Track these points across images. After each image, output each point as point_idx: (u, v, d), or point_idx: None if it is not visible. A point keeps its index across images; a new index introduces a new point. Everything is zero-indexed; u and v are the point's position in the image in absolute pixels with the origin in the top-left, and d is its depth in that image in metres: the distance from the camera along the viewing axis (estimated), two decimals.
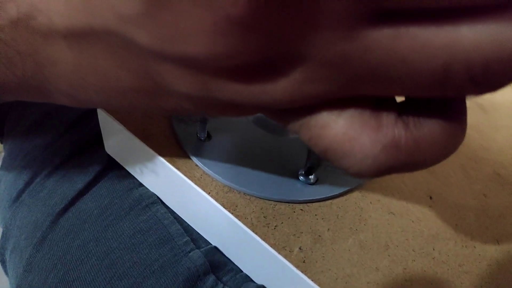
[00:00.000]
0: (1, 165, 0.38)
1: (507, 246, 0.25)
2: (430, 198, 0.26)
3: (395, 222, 0.24)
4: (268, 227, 0.22)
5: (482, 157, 0.30)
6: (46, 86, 0.18)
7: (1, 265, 0.34)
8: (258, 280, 0.24)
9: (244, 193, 0.23)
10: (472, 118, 0.32)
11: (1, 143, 0.43)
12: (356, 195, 0.25)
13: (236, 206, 0.23)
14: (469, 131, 0.31)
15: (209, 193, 0.23)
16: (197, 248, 0.26)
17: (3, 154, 0.40)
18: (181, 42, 0.11)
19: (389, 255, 0.23)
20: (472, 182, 0.28)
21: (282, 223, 0.23)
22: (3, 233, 0.33)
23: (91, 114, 0.34)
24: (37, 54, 0.16)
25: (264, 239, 0.22)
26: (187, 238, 0.26)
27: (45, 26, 0.15)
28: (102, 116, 0.26)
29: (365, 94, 0.12)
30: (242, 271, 0.25)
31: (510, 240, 0.25)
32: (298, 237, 0.22)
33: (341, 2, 0.10)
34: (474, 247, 0.24)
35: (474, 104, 0.34)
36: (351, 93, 0.12)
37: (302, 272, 0.21)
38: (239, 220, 0.22)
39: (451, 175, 0.28)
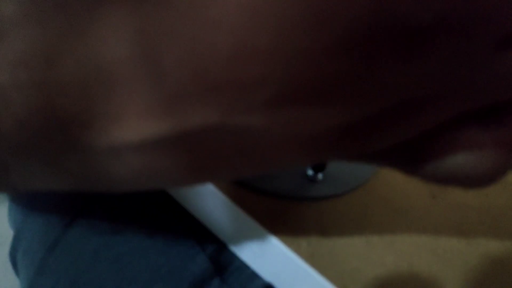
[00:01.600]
0: None
1: (510, 244, 0.25)
2: (433, 197, 0.27)
3: (399, 219, 0.25)
4: (277, 222, 0.23)
5: None
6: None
7: (12, 266, 0.35)
8: (266, 276, 0.25)
9: (254, 189, 0.24)
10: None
11: None
12: (361, 192, 0.25)
13: (246, 202, 0.23)
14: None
15: (219, 189, 0.23)
16: (202, 250, 0.26)
17: None
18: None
19: (394, 251, 0.23)
20: None
21: (290, 218, 0.23)
22: (14, 235, 0.33)
23: None
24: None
25: (273, 234, 0.22)
26: (193, 241, 0.27)
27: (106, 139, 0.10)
28: None
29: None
30: (248, 268, 0.26)
31: None
32: (306, 232, 0.23)
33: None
34: (478, 245, 0.25)
35: None
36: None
37: (310, 266, 0.21)
38: (249, 215, 0.23)
39: None
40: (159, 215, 0.28)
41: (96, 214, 0.29)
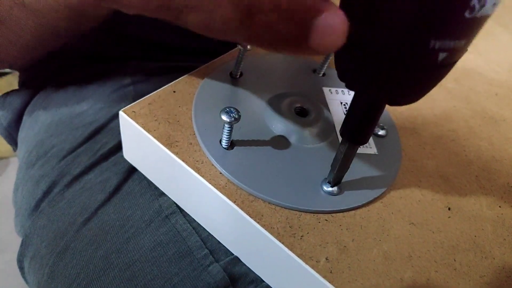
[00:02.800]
0: (18, 174, 0.38)
1: None
2: (449, 209, 0.26)
3: (416, 233, 0.24)
4: (294, 237, 0.22)
5: (495, 168, 0.30)
6: None
7: (20, 271, 0.34)
8: None
9: (269, 203, 0.23)
10: (484, 131, 0.33)
11: (15, 151, 0.43)
12: (378, 205, 0.25)
13: (262, 216, 0.23)
14: (482, 142, 0.32)
15: (234, 202, 0.23)
16: (216, 261, 0.26)
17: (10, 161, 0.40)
18: None
19: (412, 266, 0.23)
20: (487, 193, 0.28)
21: (308, 233, 0.23)
22: (22, 241, 0.33)
23: (112, 122, 0.34)
24: None
25: (291, 249, 0.22)
26: (206, 250, 0.26)
27: None
28: (124, 120, 0.26)
29: None
30: (263, 282, 0.25)
31: None
32: (324, 247, 0.22)
33: None
34: (493, 258, 0.24)
35: (486, 117, 0.34)
36: None
37: (329, 282, 0.21)
38: (266, 229, 0.22)
39: (466, 186, 0.28)
40: (171, 223, 0.28)
41: (105, 220, 0.29)
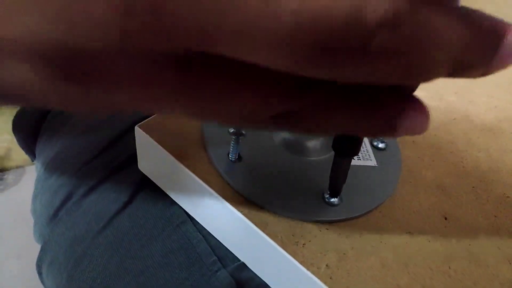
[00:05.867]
0: (36, 184, 0.40)
1: None
2: (445, 218, 0.28)
3: (413, 242, 0.26)
4: (297, 245, 0.24)
5: (492, 179, 0.31)
6: None
7: (38, 276, 0.36)
8: None
9: (274, 212, 0.25)
10: (482, 142, 0.34)
11: (32, 161, 0.45)
12: (376, 215, 0.27)
13: (267, 225, 0.24)
14: (480, 154, 0.33)
15: (241, 212, 0.25)
16: (224, 267, 0.27)
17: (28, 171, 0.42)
18: None
19: (408, 273, 0.24)
20: (483, 203, 0.30)
21: (309, 241, 0.24)
22: (42, 247, 0.35)
23: (125, 136, 0.36)
24: None
25: (293, 257, 0.23)
26: (215, 257, 0.28)
27: None
28: (139, 135, 0.28)
29: None
30: (268, 287, 0.27)
31: None
32: (324, 254, 0.24)
33: None
34: (487, 266, 0.26)
35: (485, 129, 0.35)
36: None
37: None
38: (270, 238, 0.24)
39: (463, 196, 0.30)
40: (182, 231, 0.30)
41: (120, 228, 0.31)
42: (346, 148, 0.22)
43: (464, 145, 0.34)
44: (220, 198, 0.25)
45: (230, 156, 0.27)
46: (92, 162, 0.35)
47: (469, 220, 0.28)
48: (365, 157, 0.29)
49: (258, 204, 0.25)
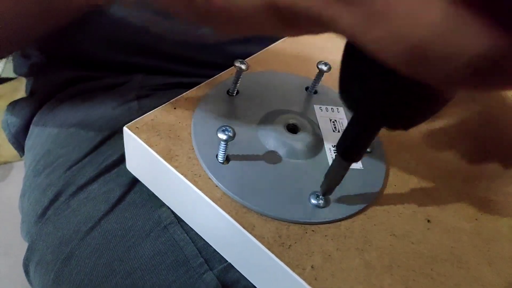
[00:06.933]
0: (25, 181, 0.40)
1: (498, 267, 0.27)
2: (428, 221, 0.28)
3: (397, 244, 0.26)
4: (283, 246, 0.24)
5: (474, 183, 0.32)
6: None
7: (25, 274, 0.36)
8: None
9: (261, 214, 0.25)
10: (466, 147, 0.35)
11: (21, 157, 0.45)
12: (362, 217, 0.27)
13: (254, 226, 0.25)
14: (463, 159, 0.34)
15: (228, 213, 0.25)
16: (210, 269, 0.28)
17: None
18: None
19: (391, 275, 0.25)
20: (465, 207, 0.30)
21: (295, 242, 0.25)
22: (29, 246, 0.35)
23: (115, 135, 0.36)
24: None
25: (279, 258, 0.24)
26: (201, 259, 0.28)
27: None
28: (128, 136, 0.28)
29: None
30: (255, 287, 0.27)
31: (501, 262, 0.27)
32: (310, 256, 0.24)
33: None
34: (469, 268, 0.26)
35: (470, 134, 0.36)
36: None
37: None
38: (257, 239, 0.24)
39: (447, 199, 0.30)
40: (170, 233, 0.30)
41: (108, 229, 0.31)
42: (352, 153, 0.22)
43: (448, 149, 0.34)
44: (208, 199, 0.25)
45: (218, 158, 0.27)
46: (82, 161, 0.35)
47: (452, 223, 0.29)
48: None
49: (246, 206, 0.25)
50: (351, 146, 0.22)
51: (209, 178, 0.26)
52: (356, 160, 0.23)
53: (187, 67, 0.42)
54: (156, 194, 0.30)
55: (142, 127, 0.28)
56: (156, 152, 0.27)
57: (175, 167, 0.26)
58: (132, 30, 0.38)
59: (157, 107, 0.29)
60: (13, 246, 0.92)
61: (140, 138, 0.27)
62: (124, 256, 0.29)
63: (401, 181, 0.30)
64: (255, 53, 0.37)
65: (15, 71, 0.48)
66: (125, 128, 0.28)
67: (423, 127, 0.35)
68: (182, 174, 0.26)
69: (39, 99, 0.43)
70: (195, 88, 0.32)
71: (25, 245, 0.36)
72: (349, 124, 0.21)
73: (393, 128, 0.19)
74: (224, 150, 0.26)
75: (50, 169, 0.36)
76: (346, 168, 0.24)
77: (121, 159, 0.34)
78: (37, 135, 0.41)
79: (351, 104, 0.19)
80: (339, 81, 0.19)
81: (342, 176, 0.25)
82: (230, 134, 0.25)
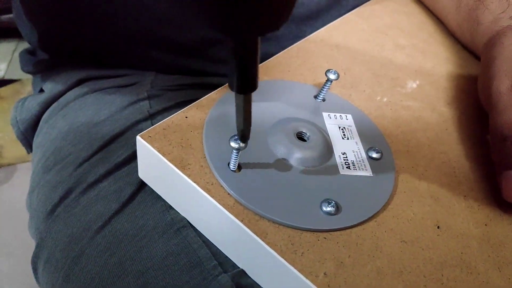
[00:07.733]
0: (34, 177, 0.40)
1: (508, 273, 0.27)
2: (438, 227, 0.29)
3: (407, 250, 0.27)
4: (295, 253, 0.25)
5: (483, 188, 0.32)
6: None
7: (33, 272, 0.36)
8: None
9: (273, 222, 0.26)
10: (474, 152, 0.35)
11: (29, 153, 0.45)
12: (372, 224, 0.27)
13: (267, 234, 0.25)
14: (471, 164, 0.34)
15: (241, 221, 0.25)
16: (224, 272, 0.28)
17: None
18: None
19: (403, 281, 0.25)
20: (474, 212, 0.31)
21: (308, 250, 0.25)
22: (37, 243, 0.35)
23: (126, 132, 0.36)
24: None
25: (292, 265, 0.24)
26: (215, 262, 0.28)
27: None
28: (141, 144, 0.28)
29: None
30: None
31: (511, 267, 0.28)
32: (322, 263, 0.24)
33: None
34: (478, 273, 0.27)
35: (477, 139, 0.37)
36: None
37: None
38: (270, 247, 0.24)
39: (455, 205, 0.31)
40: (183, 235, 0.30)
41: (119, 228, 0.31)
42: (245, 83, 0.21)
43: (457, 155, 0.35)
44: (221, 207, 0.26)
45: (230, 166, 0.27)
46: (92, 158, 0.35)
47: (461, 228, 0.29)
48: (361, 167, 0.30)
49: (258, 214, 0.26)
50: (241, 78, 0.21)
51: (221, 186, 0.27)
52: (253, 89, 0.22)
53: (203, 62, 0.42)
54: (169, 202, 0.30)
55: (154, 136, 0.28)
56: (169, 160, 0.27)
57: (188, 176, 0.27)
58: (154, 21, 0.38)
59: (167, 107, 0.29)
60: (16, 247, 0.92)
61: (153, 147, 0.28)
62: (136, 255, 0.29)
63: (410, 188, 0.31)
64: (272, 52, 0.37)
65: (22, 69, 0.49)
66: (138, 137, 0.28)
67: (431, 132, 0.36)
68: (194, 182, 0.26)
69: (49, 96, 0.43)
70: (205, 96, 0.32)
71: (28, 245, 0.36)
72: (231, 59, 0.21)
73: (265, 30, 0.18)
74: (236, 158, 0.27)
75: (60, 166, 0.37)
76: (247, 100, 0.23)
77: (131, 157, 0.34)
78: (46, 132, 0.41)
79: (221, 26, 0.18)
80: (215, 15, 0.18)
81: (249, 112, 0.24)
82: (241, 143, 0.25)
